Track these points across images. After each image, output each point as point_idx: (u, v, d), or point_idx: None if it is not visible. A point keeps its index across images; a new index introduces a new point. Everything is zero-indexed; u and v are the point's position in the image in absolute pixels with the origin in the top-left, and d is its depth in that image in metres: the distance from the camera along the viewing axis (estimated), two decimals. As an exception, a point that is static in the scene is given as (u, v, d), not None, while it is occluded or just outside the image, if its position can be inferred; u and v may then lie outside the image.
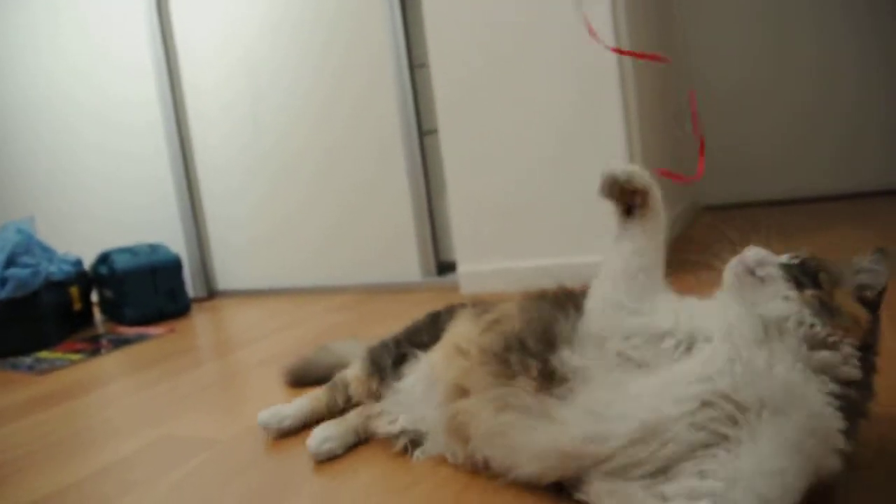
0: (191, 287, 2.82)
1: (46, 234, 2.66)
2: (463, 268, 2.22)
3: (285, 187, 2.67)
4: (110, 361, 2.03)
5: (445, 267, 2.45)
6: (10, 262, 2.29)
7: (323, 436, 1.07)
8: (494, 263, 2.17)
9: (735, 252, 0.82)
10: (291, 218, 2.68)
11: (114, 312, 2.57)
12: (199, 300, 2.84)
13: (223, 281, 2.89)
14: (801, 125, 3.27)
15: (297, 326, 2.11)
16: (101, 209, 3.05)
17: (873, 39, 3.10)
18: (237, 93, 2.70)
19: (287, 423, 1.18)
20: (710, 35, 3.38)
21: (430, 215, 2.43)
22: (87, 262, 2.65)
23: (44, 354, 2.18)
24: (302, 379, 1.44)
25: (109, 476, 1.14)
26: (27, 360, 2.14)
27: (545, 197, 2.08)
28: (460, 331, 1.00)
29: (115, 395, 1.66)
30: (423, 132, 2.40)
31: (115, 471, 1.16)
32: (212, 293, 2.91)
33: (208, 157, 2.81)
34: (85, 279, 2.59)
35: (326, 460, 1.05)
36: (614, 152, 1.96)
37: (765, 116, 3.33)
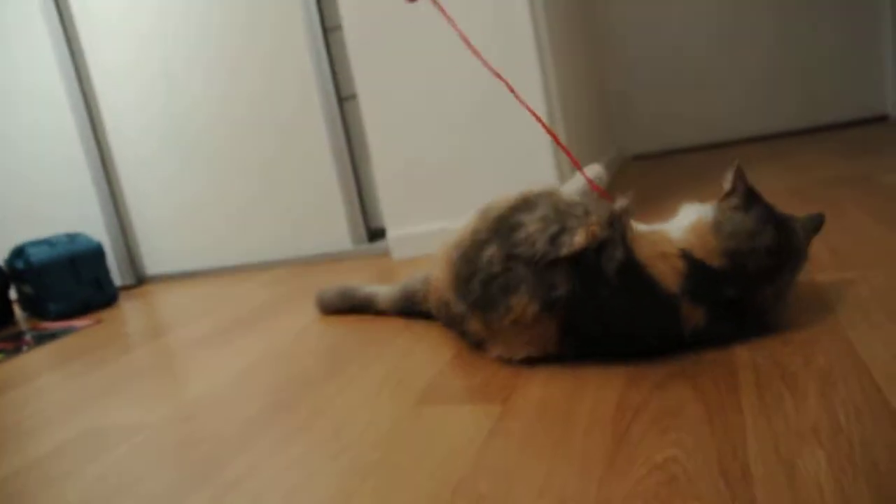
0: (117, 275, 2.73)
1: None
2: (392, 232, 2.21)
3: (201, 160, 2.58)
4: (33, 358, 1.95)
5: (376, 233, 2.43)
6: (-84, 264, 2.17)
7: None
8: (424, 226, 2.16)
9: None
10: (213, 193, 2.60)
11: (36, 308, 2.47)
12: (127, 288, 2.75)
13: (151, 266, 2.80)
14: (716, 71, 3.34)
15: (228, 305, 2.07)
16: (11, 201, 2.90)
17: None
18: (147, 59, 2.57)
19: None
20: (626, -16, 3.40)
21: (356, 182, 2.40)
22: (1, 259, 2.53)
23: (-38, 357, 2.09)
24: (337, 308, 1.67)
25: (31, 472, 1.10)
26: (-56, 364, 2.04)
27: (469, 156, 2.07)
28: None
29: (39, 391, 1.60)
30: (343, 98, 2.35)
31: (37, 467, 1.12)
32: (140, 279, 2.82)
33: (120, 127, 2.69)
34: (1, 276, 2.48)
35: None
36: (534, 108, 1.97)
37: (681, 65, 3.38)
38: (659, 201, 2.24)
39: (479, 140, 2.05)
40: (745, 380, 0.90)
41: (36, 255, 2.41)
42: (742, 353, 0.98)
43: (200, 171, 2.60)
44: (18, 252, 2.45)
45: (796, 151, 2.74)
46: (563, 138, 2.06)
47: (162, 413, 1.25)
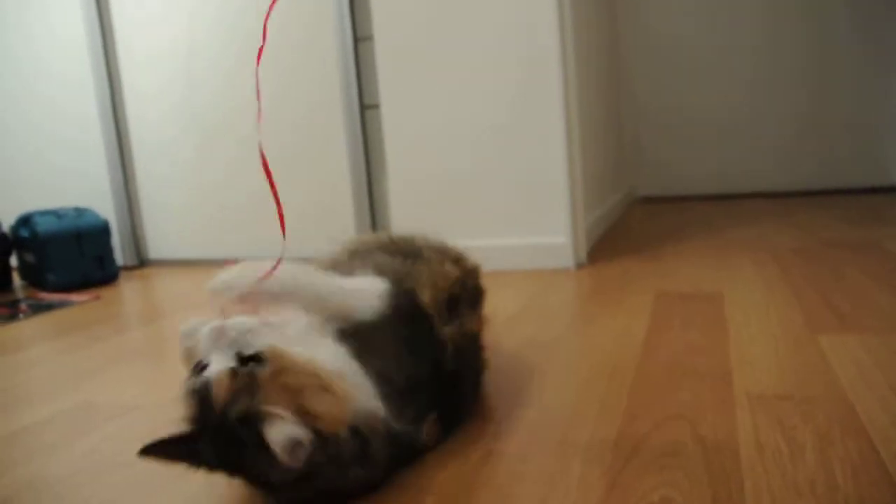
0: (120, 255, 2.73)
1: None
2: (400, 245, 2.22)
3: (218, 150, 2.59)
4: (29, 326, 1.95)
5: (383, 244, 2.44)
6: (-78, 219, 2.17)
7: None
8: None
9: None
10: (225, 186, 2.61)
11: (35, 278, 2.47)
12: (128, 268, 2.75)
13: (155, 250, 2.81)
14: (734, 123, 3.37)
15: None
16: (22, 168, 2.91)
17: (815, 38, 3.22)
18: (171, 44, 2.59)
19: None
20: (649, 29, 3.45)
21: (369, 191, 2.41)
22: (6, 225, 2.53)
23: (-43, 318, 2.08)
24: None
25: (20, 440, 1.10)
26: (-62, 323, 2.04)
27: (485, 178, 2.09)
28: None
29: (31, 361, 1.60)
30: (365, 106, 2.38)
31: (26, 434, 1.12)
32: (143, 261, 2.82)
33: (141, 112, 2.71)
34: (4, 242, 2.48)
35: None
36: (555, 130, 1.99)
37: (699, 114, 3.42)
38: (662, 245, 2.26)
39: (495, 165, 2.07)
40: (744, 425, 0.90)
41: (42, 224, 2.41)
42: (742, 406, 0.99)
43: (214, 163, 2.62)
44: (25, 220, 2.46)
45: (804, 211, 2.76)
46: (578, 167, 2.07)
47: (155, 394, 1.25)
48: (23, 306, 2.19)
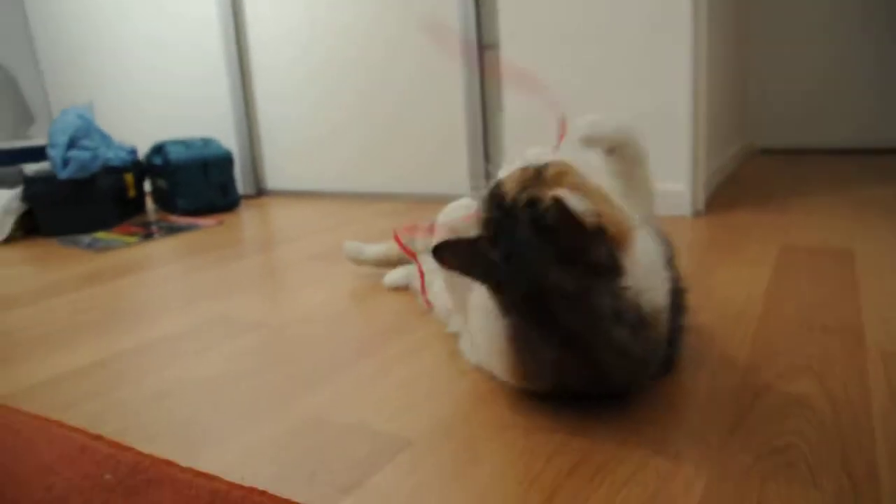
0: (241, 184, 2.87)
1: (102, 122, 2.72)
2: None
3: (340, 93, 2.66)
4: (162, 246, 2.10)
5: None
6: (72, 144, 2.35)
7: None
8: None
9: None
10: (344, 123, 2.68)
11: (166, 202, 2.64)
12: (248, 197, 2.89)
13: (272, 180, 2.93)
14: (864, 74, 3.11)
15: (345, 227, 2.15)
16: (155, 102, 3.09)
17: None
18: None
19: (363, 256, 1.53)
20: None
21: (483, 130, 2.41)
22: (141, 154, 2.70)
23: (101, 235, 2.27)
24: None
25: (161, 346, 1.20)
26: (86, 238, 2.23)
27: (603, 99, 2.04)
28: None
29: (167, 276, 1.73)
30: (483, 45, 2.35)
31: (167, 342, 1.22)
32: (261, 191, 2.96)
33: (265, 57, 2.80)
34: (139, 168, 2.65)
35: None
36: (682, 72, 1.91)
37: (828, 63, 3.18)
38: (786, 198, 2.15)
39: (618, 101, 2.02)
40: (877, 382, 0.87)
41: (174, 153, 2.56)
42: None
43: (329, 110, 2.69)
44: (158, 149, 2.62)
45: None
46: (703, 112, 1.98)
47: (282, 316, 1.33)
48: (156, 228, 2.36)
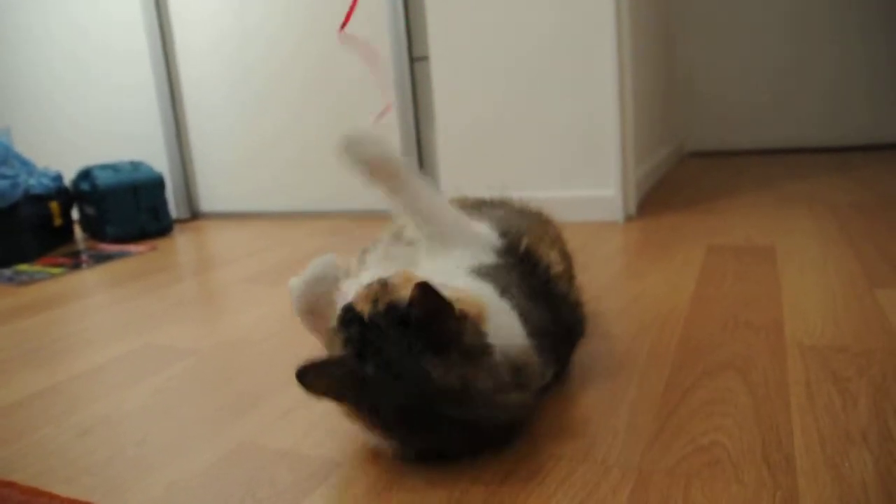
0: (174, 207, 2.80)
1: (22, 148, 2.62)
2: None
3: (269, 106, 2.63)
4: (91, 276, 2.03)
5: (430, 197, 2.45)
6: (-11, 172, 2.26)
7: None
8: (480, 192, 2.17)
9: None
10: (275, 139, 2.64)
11: (95, 229, 2.56)
12: (181, 221, 2.83)
13: (206, 202, 2.87)
14: (788, 77, 3.25)
15: (281, 247, 2.12)
16: (79, 124, 3.00)
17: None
18: (222, 4, 2.61)
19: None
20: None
21: (417, 143, 2.41)
22: (67, 180, 2.61)
23: (23, 267, 2.18)
24: None
25: (89, 380, 1.16)
26: (6, 272, 2.13)
27: (534, 130, 2.07)
28: None
29: (96, 307, 1.67)
30: (414, 58, 2.36)
31: (94, 375, 1.18)
32: (195, 214, 2.90)
33: (193, 69, 2.75)
34: (66, 195, 2.56)
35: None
36: (607, 79, 1.95)
37: (753, 66, 3.30)
38: (714, 199, 2.22)
39: (545, 110, 2.05)
40: (796, 376, 0.90)
41: (102, 178, 2.49)
42: (795, 356, 0.98)
43: (263, 122, 2.65)
44: (85, 174, 2.54)
45: (862, 166, 2.67)
46: (630, 118, 2.03)
47: (211, 339, 1.30)
48: (84, 257, 2.28)
